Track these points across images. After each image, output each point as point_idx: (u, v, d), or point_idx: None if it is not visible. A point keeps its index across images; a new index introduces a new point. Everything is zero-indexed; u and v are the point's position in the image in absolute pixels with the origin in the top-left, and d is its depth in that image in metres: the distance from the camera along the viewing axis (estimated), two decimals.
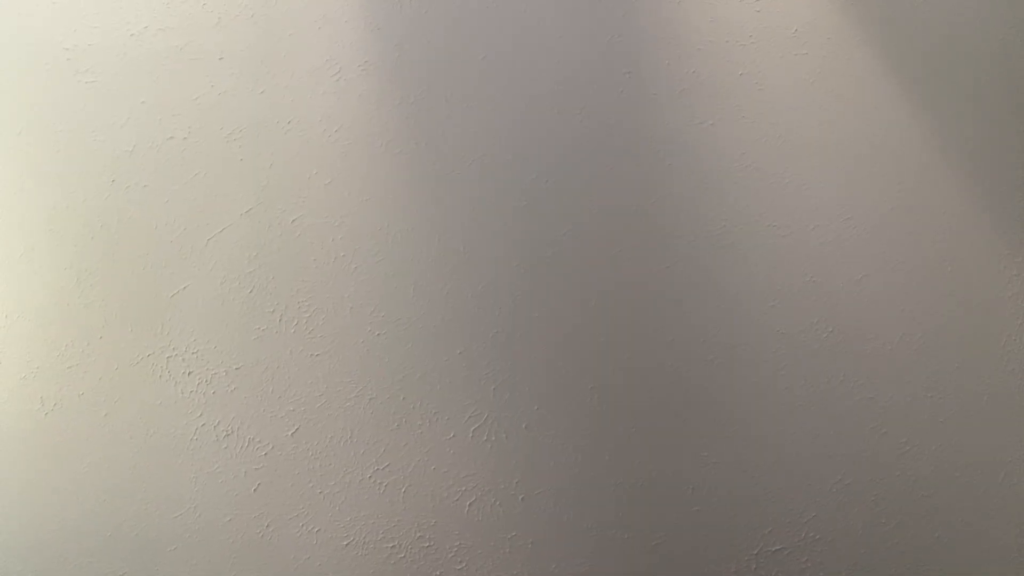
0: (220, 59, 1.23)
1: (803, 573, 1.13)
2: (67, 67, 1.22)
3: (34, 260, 1.20)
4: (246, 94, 1.22)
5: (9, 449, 1.18)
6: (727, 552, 1.15)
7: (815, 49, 1.20)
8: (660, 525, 1.16)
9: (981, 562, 1.12)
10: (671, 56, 1.20)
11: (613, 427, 1.17)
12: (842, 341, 1.15)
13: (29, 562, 1.17)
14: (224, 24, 1.23)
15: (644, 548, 1.16)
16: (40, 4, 1.22)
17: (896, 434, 1.14)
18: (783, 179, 1.18)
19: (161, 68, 1.22)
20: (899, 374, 1.15)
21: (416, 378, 1.18)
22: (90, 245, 1.20)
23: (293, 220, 1.20)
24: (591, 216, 1.19)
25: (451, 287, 1.18)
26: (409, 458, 1.17)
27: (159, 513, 1.17)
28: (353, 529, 1.17)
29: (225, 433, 1.17)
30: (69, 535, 1.17)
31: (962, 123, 1.17)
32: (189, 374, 1.18)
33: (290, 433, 1.17)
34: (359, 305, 1.19)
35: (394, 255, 1.19)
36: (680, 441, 1.17)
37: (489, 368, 1.18)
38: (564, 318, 1.18)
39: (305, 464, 1.17)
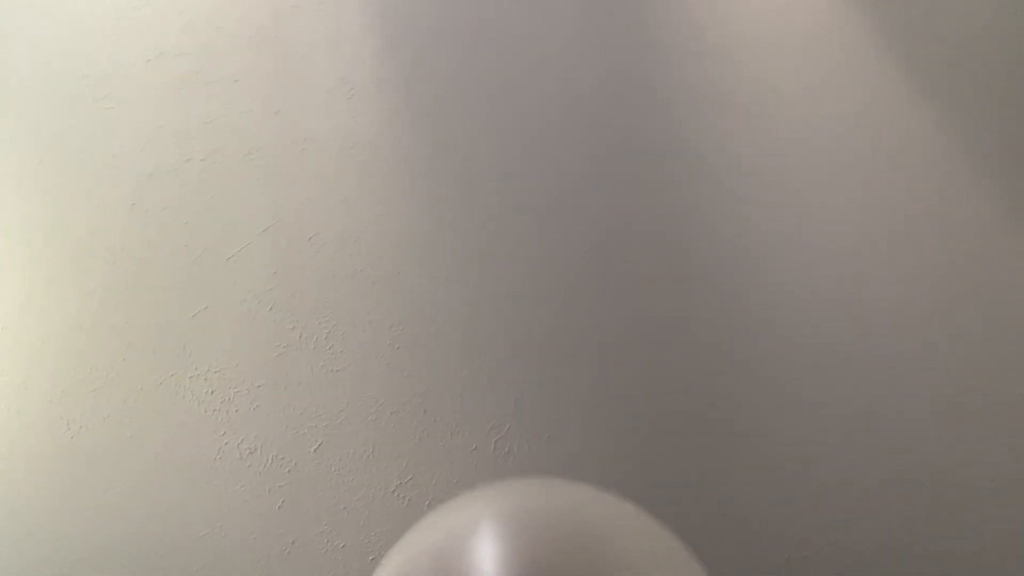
0: (235, 81, 1.24)
1: None
2: (86, 94, 1.24)
3: (58, 286, 1.22)
4: (262, 115, 1.23)
5: (36, 472, 1.19)
6: (757, 561, 1.13)
7: (828, 54, 1.19)
8: (687, 536, 1.15)
9: (1018, 567, 1.10)
10: (683, 65, 1.21)
11: (636, 436, 1.16)
12: (866, 350, 1.14)
13: None
14: (238, 47, 1.25)
15: None
16: (57, 33, 1.25)
17: (925, 440, 1.12)
18: (798, 187, 1.17)
19: (178, 92, 1.24)
20: (925, 382, 1.13)
21: (437, 391, 1.18)
22: (112, 269, 1.22)
23: (311, 237, 1.21)
24: (609, 226, 1.19)
25: (470, 299, 1.19)
26: (432, 471, 1.17)
27: (185, 533, 1.17)
28: (378, 544, 1.16)
29: (248, 451, 1.18)
30: (97, 557, 1.17)
31: (980, 124, 1.16)
32: (212, 393, 1.18)
33: (313, 449, 1.17)
34: (378, 320, 1.19)
35: (412, 269, 1.20)
36: (705, 449, 1.15)
37: (510, 380, 1.17)
38: (584, 327, 1.17)
39: (329, 480, 1.17)
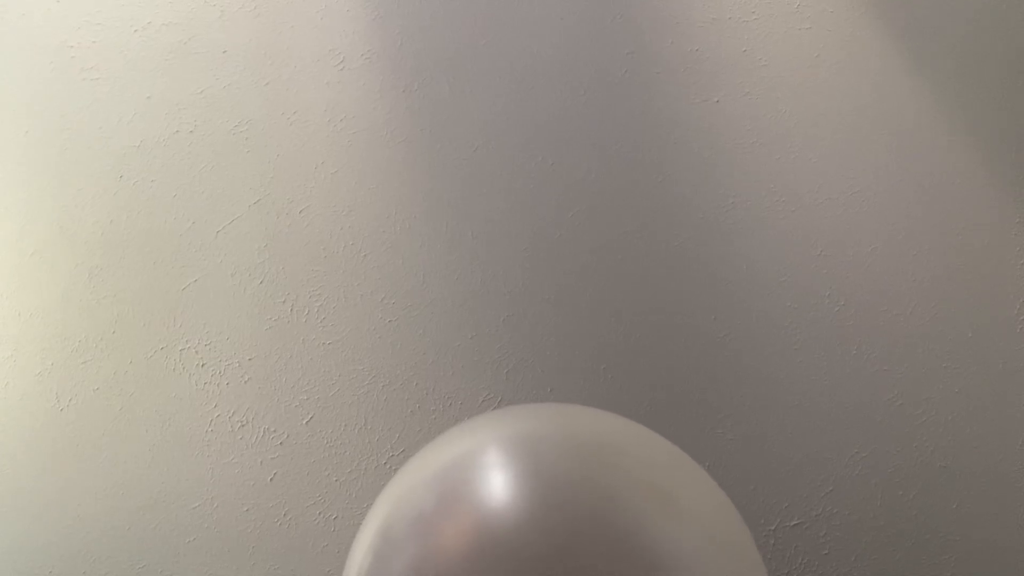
0: (224, 52, 1.23)
1: (822, 546, 1.12)
2: (71, 65, 1.23)
3: (45, 258, 1.21)
4: (250, 86, 1.22)
5: (26, 445, 1.18)
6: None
7: (818, 23, 1.19)
8: None
9: (1001, 531, 1.12)
10: (674, 35, 1.20)
11: (626, 406, 1.17)
12: (854, 314, 1.15)
13: (48, 556, 1.17)
14: (226, 18, 1.24)
15: None
16: (41, 2, 1.23)
17: (912, 405, 1.13)
18: (790, 154, 1.18)
19: (165, 63, 1.23)
20: (913, 345, 1.14)
21: (428, 363, 1.18)
22: (100, 241, 1.21)
23: (301, 210, 1.20)
24: (598, 196, 1.19)
25: (460, 272, 1.19)
26: (424, 444, 1.17)
27: (176, 505, 1.17)
28: None
29: (240, 424, 1.18)
30: (87, 529, 1.17)
31: (969, 89, 1.17)
32: (202, 366, 1.18)
33: (305, 422, 1.18)
34: (369, 292, 1.19)
35: (403, 242, 1.19)
36: (694, 419, 1.16)
37: (501, 351, 1.18)
38: (574, 298, 1.18)
39: (320, 452, 1.17)
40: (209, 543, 1.16)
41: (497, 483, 0.65)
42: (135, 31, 1.23)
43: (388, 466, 1.17)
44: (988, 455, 1.13)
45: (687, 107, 1.19)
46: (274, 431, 1.17)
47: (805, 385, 1.15)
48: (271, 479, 1.17)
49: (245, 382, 1.18)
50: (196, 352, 1.18)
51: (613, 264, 1.18)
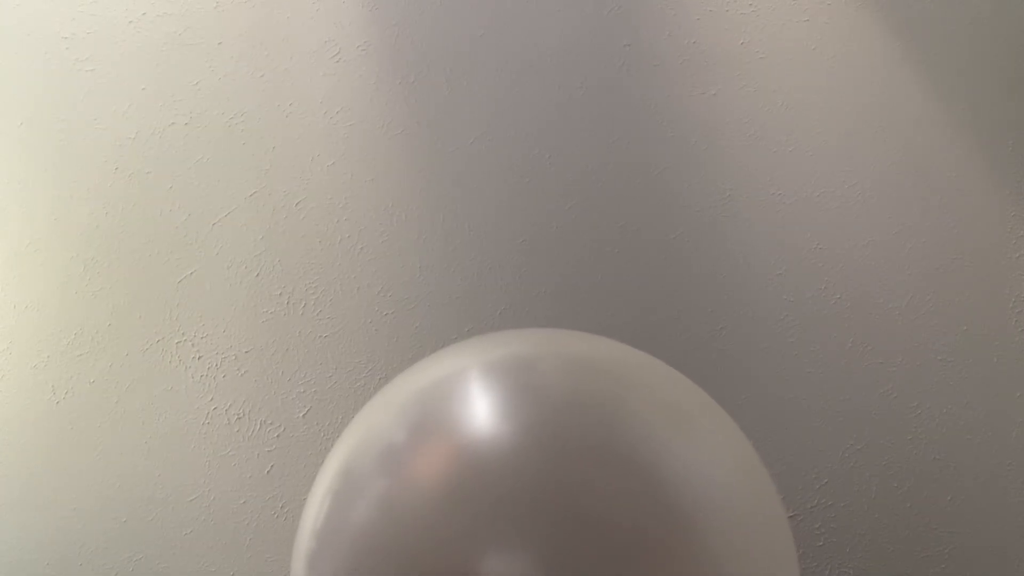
0: (219, 44, 1.22)
1: (816, 538, 1.13)
2: (66, 56, 1.22)
3: (40, 251, 1.20)
4: (246, 78, 1.22)
5: (22, 438, 1.18)
6: None
7: (816, 15, 1.19)
8: None
9: (994, 523, 1.13)
10: (671, 26, 1.20)
11: None
12: (850, 307, 1.15)
13: (45, 549, 1.17)
14: (222, 9, 1.23)
15: None
16: None
17: (907, 397, 1.14)
18: (787, 147, 1.18)
19: (161, 54, 1.22)
20: (908, 338, 1.15)
21: (425, 356, 1.18)
22: (95, 234, 1.20)
23: (297, 203, 1.20)
24: (594, 189, 1.19)
25: (457, 264, 1.19)
26: None
27: (173, 498, 1.17)
28: None
29: (236, 416, 1.18)
30: (84, 522, 1.17)
31: (967, 84, 1.16)
32: (199, 358, 1.18)
33: (301, 415, 1.18)
34: (366, 285, 1.19)
35: (399, 235, 1.19)
36: None
37: None
38: (570, 292, 1.18)
39: (317, 445, 1.17)
40: (206, 535, 1.17)
41: (484, 405, 0.57)
42: (130, 22, 1.22)
43: None
44: (982, 448, 1.13)
45: (684, 100, 1.19)
46: (271, 424, 1.18)
47: (801, 377, 1.15)
48: (268, 472, 1.17)
49: (242, 375, 1.18)
50: (192, 345, 1.18)
51: (609, 257, 1.18)
